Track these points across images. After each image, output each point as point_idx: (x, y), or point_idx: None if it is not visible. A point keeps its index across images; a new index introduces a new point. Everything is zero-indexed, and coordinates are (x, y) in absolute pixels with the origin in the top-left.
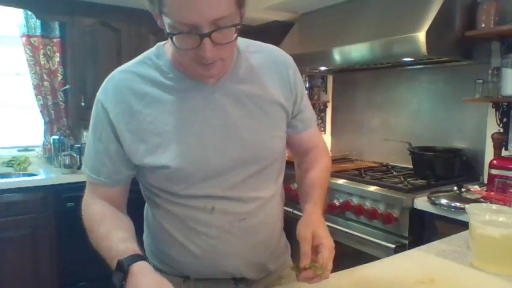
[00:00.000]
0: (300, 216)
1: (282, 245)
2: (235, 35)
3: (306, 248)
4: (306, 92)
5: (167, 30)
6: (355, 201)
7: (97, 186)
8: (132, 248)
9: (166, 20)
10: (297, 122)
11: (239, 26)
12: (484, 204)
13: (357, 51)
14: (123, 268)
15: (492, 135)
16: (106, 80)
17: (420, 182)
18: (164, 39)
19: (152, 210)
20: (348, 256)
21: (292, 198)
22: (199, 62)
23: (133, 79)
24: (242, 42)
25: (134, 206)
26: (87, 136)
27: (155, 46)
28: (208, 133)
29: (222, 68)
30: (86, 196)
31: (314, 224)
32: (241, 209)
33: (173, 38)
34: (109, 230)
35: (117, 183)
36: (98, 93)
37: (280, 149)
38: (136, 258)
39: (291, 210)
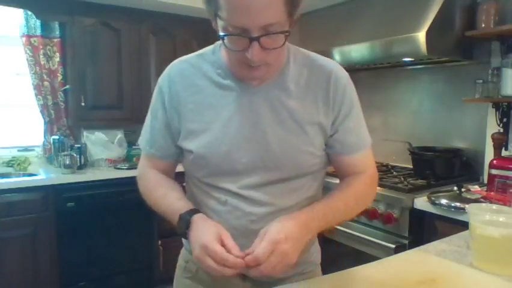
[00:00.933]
0: None
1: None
2: (284, 41)
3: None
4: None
5: (220, 32)
6: None
7: (150, 158)
8: (188, 204)
9: (220, 22)
10: (336, 143)
11: (288, 33)
12: (484, 204)
13: (357, 51)
14: (187, 219)
15: (492, 135)
16: (168, 66)
17: (420, 182)
18: (165, 39)
19: (187, 188)
20: (348, 256)
21: None
22: (246, 63)
23: (188, 69)
24: (300, 52)
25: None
26: (148, 115)
27: (214, 43)
28: (237, 131)
29: (266, 72)
30: (141, 165)
31: (278, 228)
32: (252, 209)
33: (225, 39)
34: (166, 192)
35: (167, 158)
36: (159, 78)
37: (309, 164)
38: (194, 211)
39: None
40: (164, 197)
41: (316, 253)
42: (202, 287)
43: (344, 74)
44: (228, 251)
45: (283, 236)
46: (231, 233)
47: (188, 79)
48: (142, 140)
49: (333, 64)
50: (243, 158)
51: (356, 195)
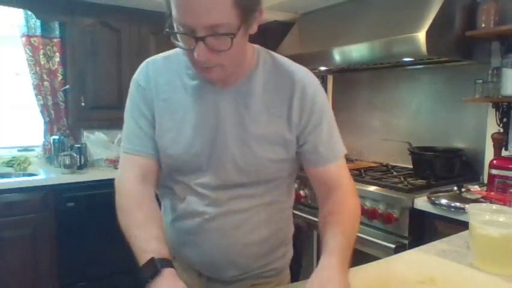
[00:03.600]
0: (300, 215)
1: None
2: (230, 44)
3: None
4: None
5: (167, 29)
6: None
7: (132, 157)
8: (165, 250)
9: (171, 20)
10: (306, 154)
11: (233, 37)
12: (484, 204)
13: (357, 51)
14: (156, 268)
15: (492, 135)
16: (143, 63)
17: (420, 182)
18: (165, 39)
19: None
20: None
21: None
22: (197, 64)
23: (162, 67)
24: (271, 57)
25: None
26: (125, 114)
27: None
28: (201, 132)
29: (222, 74)
30: (120, 173)
31: (323, 280)
32: (205, 209)
33: (178, 37)
34: (146, 222)
35: (149, 153)
36: (135, 75)
37: (268, 172)
38: (168, 262)
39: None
40: (143, 227)
41: (284, 257)
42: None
43: (312, 83)
44: None
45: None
46: (186, 229)
47: (163, 77)
48: (122, 141)
49: (301, 72)
50: (205, 158)
51: (353, 212)
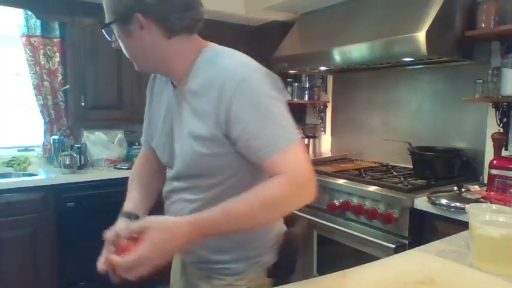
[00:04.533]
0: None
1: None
2: (113, 38)
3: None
4: (275, 105)
5: None
6: (355, 201)
7: (142, 148)
8: (132, 206)
9: None
10: (243, 151)
11: (104, 27)
12: (484, 204)
13: (357, 51)
14: (119, 215)
15: (492, 135)
16: None
17: (420, 182)
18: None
19: None
20: (348, 256)
21: None
22: None
23: None
24: (214, 54)
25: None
26: None
27: None
28: (162, 128)
29: (135, 65)
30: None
31: (159, 219)
32: (167, 193)
33: None
34: (131, 188)
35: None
36: None
37: (203, 166)
38: (129, 214)
39: None
40: (129, 192)
41: (247, 260)
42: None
43: (235, 77)
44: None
45: (150, 248)
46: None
47: (156, 78)
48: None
49: (230, 68)
50: (165, 152)
51: (263, 200)
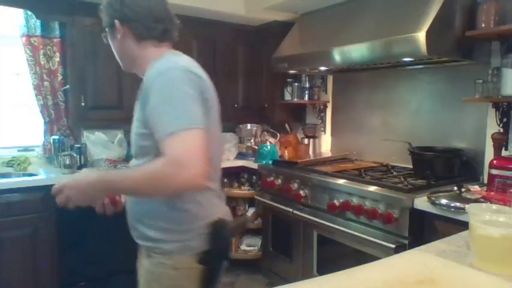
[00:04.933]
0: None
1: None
2: (106, 40)
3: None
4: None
5: None
6: (355, 201)
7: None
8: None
9: None
10: (154, 134)
11: (103, 32)
12: (484, 204)
13: (357, 51)
14: None
15: (492, 135)
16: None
17: (420, 182)
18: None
19: None
20: (348, 256)
21: (293, 199)
22: None
23: None
24: (163, 57)
25: None
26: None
27: None
28: None
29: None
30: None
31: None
32: None
33: None
34: None
35: None
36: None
37: (139, 145)
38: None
39: (291, 210)
40: None
41: (157, 232)
42: None
43: (157, 73)
44: None
45: (70, 181)
46: None
47: None
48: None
49: (156, 68)
50: None
51: (144, 174)
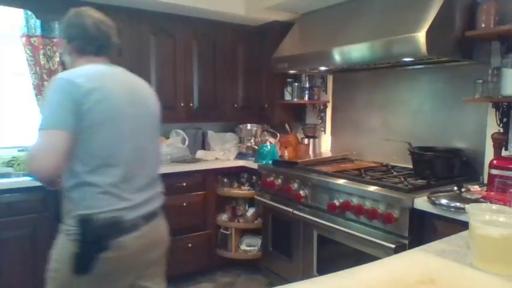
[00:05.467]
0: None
1: None
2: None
3: None
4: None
5: None
6: (355, 201)
7: None
8: None
9: None
10: None
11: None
12: (484, 204)
13: (357, 51)
14: None
15: (492, 135)
16: None
17: (420, 182)
18: (165, 39)
19: None
20: (348, 256)
21: (293, 199)
22: None
23: None
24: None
25: None
26: None
27: None
28: None
29: None
30: None
31: None
32: None
33: None
34: None
35: None
36: None
37: None
38: None
39: (291, 210)
40: None
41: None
42: None
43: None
44: None
45: None
46: None
47: None
48: None
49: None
50: None
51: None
